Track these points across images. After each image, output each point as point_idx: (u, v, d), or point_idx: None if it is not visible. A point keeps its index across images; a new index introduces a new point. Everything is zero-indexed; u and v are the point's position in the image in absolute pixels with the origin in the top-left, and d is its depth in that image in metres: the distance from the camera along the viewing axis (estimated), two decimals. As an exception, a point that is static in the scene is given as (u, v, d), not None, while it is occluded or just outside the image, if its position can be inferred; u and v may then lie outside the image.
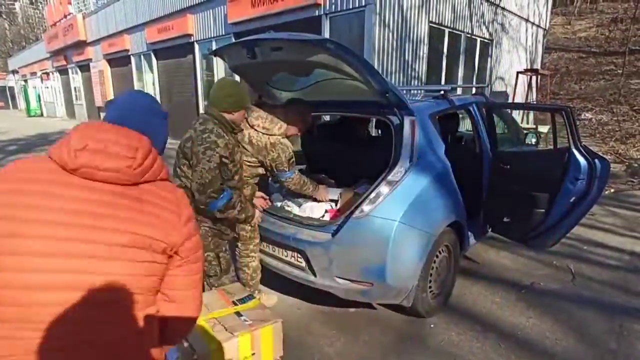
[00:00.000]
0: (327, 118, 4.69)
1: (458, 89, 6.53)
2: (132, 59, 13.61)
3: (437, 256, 2.59)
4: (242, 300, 1.69)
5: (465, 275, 3.26)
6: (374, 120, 4.24)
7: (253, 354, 1.48)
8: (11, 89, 35.21)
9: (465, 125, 5.43)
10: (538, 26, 11.57)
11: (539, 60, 12.16)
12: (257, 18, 7.88)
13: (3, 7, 35.70)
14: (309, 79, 2.63)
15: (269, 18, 7.67)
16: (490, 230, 3.34)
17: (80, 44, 16.78)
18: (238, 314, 1.59)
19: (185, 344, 1.45)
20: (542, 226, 2.96)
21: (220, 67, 9.82)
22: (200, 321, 1.56)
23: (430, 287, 2.59)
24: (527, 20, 10.78)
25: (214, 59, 9.82)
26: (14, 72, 31.46)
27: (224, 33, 9.06)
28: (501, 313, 2.75)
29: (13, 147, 11.38)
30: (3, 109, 35.10)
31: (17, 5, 34.82)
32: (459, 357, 2.30)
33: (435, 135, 2.66)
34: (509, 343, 2.43)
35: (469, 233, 2.99)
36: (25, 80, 28.01)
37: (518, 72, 9.92)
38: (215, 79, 9.97)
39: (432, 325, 2.61)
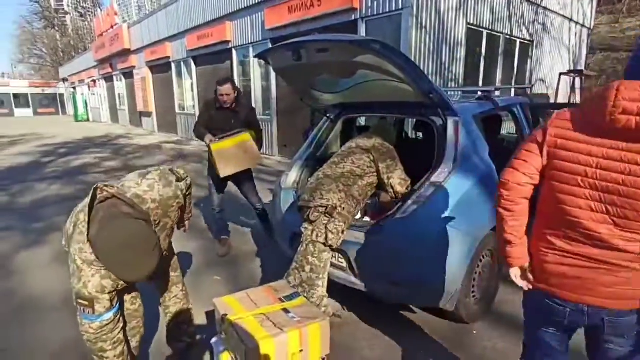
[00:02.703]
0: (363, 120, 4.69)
1: (497, 90, 6.37)
2: (173, 65, 14.19)
3: (480, 260, 2.52)
4: (289, 298, 1.71)
5: (510, 283, 3.12)
6: (414, 121, 4.20)
7: (301, 350, 1.50)
8: (61, 96, 37.63)
9: (507, 128, 5.26)
10: (582, 25, 11.06)
11: (582, 61, 11.61)
12: (294, 24, 8.02)
13: (56, 20, 38.31)
14: (351, 81, 2.64)
15: (305, 23, 7.79)
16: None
17: (125, 52, 17.70)
18: (285, 310, 1.62)
19: (235, 337, 1.49)
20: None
21: (256, 73, 10.05)
22: (249, 316, 1.59)
23: (473, 292, 2.52)
24: (570, 20, 10.33)
25: (251, 64, 10.07)
26: (64, 80, 33.60)
27: (261, 39, 9.27)
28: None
29: (63, 150, 12.13)
30: (54, 114, 37.54)
31: (68, 18, 37.25)
32: (505, 366, 2.23)
33: (479, 137, 2.60)
34: (559, 354, 2.31)
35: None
36: (74, 88, 29.83)
37: (561, 74, 9.51)
38: (252, 85, 10.21)
39: (475, 332, 2.54)
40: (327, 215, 2.26)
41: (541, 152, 1.24)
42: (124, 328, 1.74)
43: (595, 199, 1.15)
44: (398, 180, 2.47)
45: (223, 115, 3.58)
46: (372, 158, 2.47)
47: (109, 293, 1.57)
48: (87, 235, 1.47)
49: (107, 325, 1.60)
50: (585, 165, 1.16)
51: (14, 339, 2.52)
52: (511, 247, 1.35)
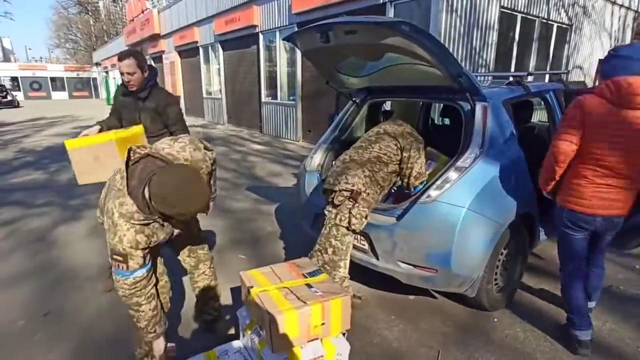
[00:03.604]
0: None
1: (529, 75, 6.14)
2: (201, 50, 14.37)
3: (505, 248, 2.50)
4: (312, 274, 1.77)
5: (533, 272, 3.10)
6: (441, 106, 4.13)
7: (323, 323, 1.55)
8: (94, 80, 38.92)
9: (539, 116, 5.09)
10: (628, 8, 10.40)
11: (626, 47, 10.93)
12: (321, 7, 7.95)
13: (89, 5, 39.37)
14: (378, 65, 2.62)
15: (332, 7, 7.70)
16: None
17: (155, 37, 18.04)
18: (308, 285, 1.67)
19: (260, 308, 1.56)
20: (625, 225, 2.72)
21: (282, 58, 10.06)
22: (273, 289, 1.66)
23: (495, 279, 2.50)
24: (614, 3, 9.73)
25: (277, 49, 10.08)
26: (97, 64, 34.64)
27: (287, 23, 9.25)
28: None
29: (97, 131, 12.59)
30: (87, 98, 38.94)
31: (101, 3, 38.18)
32: (525, 354, 2.22)
33: (508, 123, 2.55)
34: (583, 344, 2.28)
35: (540, 228, 2.84)
36: (107, 72, 30.73)
37: (600, 60, 9.01)
38: (277, 69, 10.24)
39: (495, 320, 2.53)
40: (351, 199, 2.27)
41: (581, 127, 1.91)
42: (156, 285, 1.82)
43: (616, 148, 1.85)
44: (415, 173, 2.43)
45: (128, 102, 2.76)
46: (399, 146, 2.43)
47: (142, 249, 1.61)
48: (128, 189, 1.53)
49: (140, 281, 1.65)
50: (609, 128, 1.85)
51: (56, 304, 2.71)
52: (555, 182, 2.12)
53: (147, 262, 1.67)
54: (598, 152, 1.89)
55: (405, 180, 2.47)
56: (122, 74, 2.60)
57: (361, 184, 2.29)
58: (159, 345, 1.84)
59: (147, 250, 1.65)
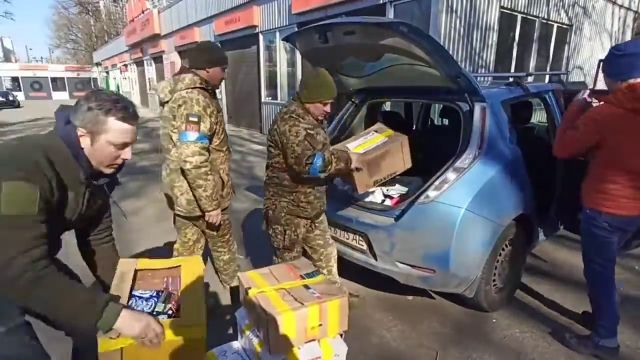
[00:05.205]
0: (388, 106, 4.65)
1: (529, 76, 6.15)
2: (201, 50, 14.37)
3: (503, 249, 2.50)
4: (310, 275, 1.77)
5: (532, 273, 3.10)
6: (440, 107, 4.14)
7: (320, 324, 1.56)
8: (95, 80, 38.95)
9: (538, 117, 5.09)
10: (628, 9, 10.40)
11: (626, 47, 10.93)
12: (321, 8, 7.95)
13: (90, 5, 39.40)
14: (377, 65, 2.63)
15: (332, 7, 7.71)
16: (562, 227, 3.13)
17: (155, 37, 18.06)
18: (306, 286, 1.67)
19: (258, 309, 1.56)
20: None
21: (282, 59, 10.06)
22: (271, 290, 1.66)
23: (494, 280, 2.50)
24: (614, 3, 9.73)
25: (277, 49, 10.08)
26: (98, 64, 34.67)
27: (287, 23, 9.26)
28: (571, 315, 2.58)
29: (97, 131, 12.59)
30: (88, 98, 38.92)
31: (101, 3, 38.23)
32: (523, 355, 2.22)
33: (506, 124, 2.55)
34: (581, 345, 2.28)
35: (539, 228, 2.84)
36: (107, 72, 30.79)
37: (601, 61, 8.99)
38: (277, 70, 10.24)
39: (494, 320, 2.53)
40: (268, 222, 2.32)
41: (594, 140, 1.95)
42: None
43: None
44: (292, 160, 2.02)
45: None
46: (274, 144, 2.14)
47: (209, 117, 2.05)
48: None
49: (206, 149, 2.04)
50: (635, 135, 1.88)
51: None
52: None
53: (207, 136, 2.07)
54: (631, 161, 1.88)
55: (293, 169, 2.09)
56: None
57: (270, 203, 2.28)
58: (218, 210, 2.23)
59: (210, 128, 2.07)
